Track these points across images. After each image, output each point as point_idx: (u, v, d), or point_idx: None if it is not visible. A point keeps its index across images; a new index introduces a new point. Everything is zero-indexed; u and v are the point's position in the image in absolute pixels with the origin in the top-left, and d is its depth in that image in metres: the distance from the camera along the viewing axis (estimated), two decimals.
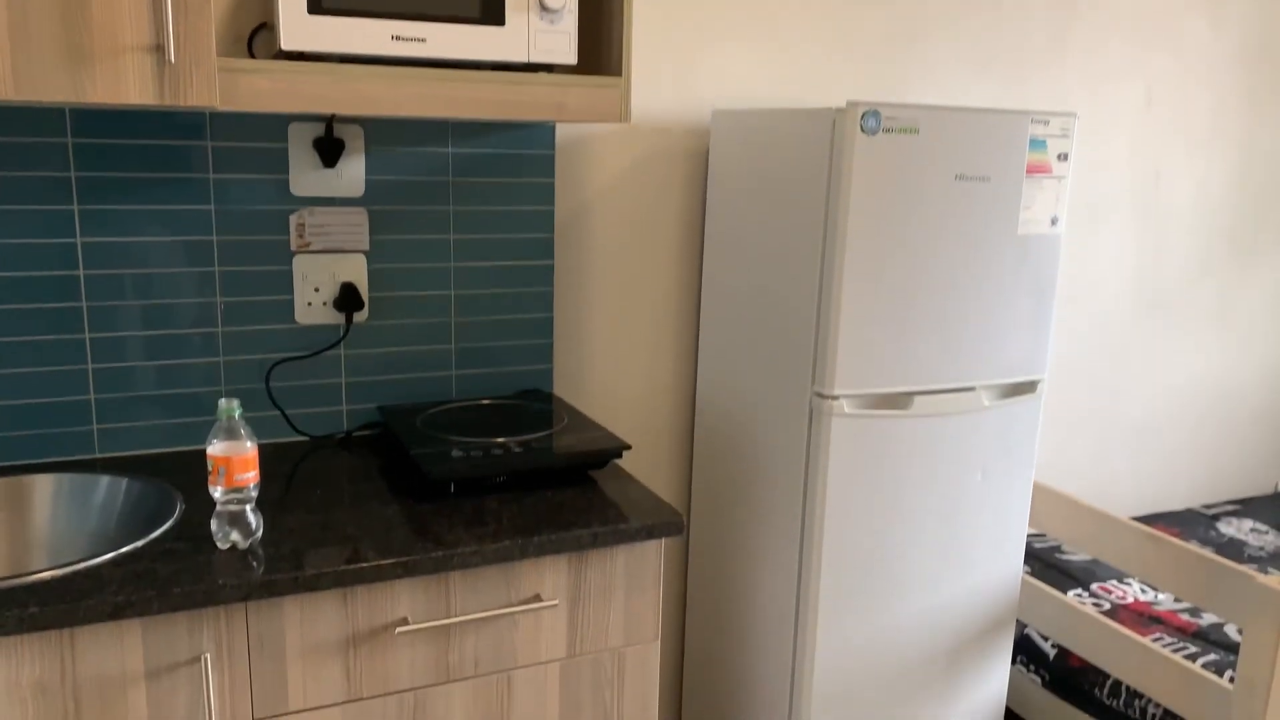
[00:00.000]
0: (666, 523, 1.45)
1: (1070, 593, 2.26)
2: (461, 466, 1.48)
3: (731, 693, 1.99)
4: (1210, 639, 2.07)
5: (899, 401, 1.70)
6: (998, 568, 1.88)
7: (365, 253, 1.76)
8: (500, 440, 1.58)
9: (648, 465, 2.13)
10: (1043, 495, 2.19)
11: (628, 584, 1.47)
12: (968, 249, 1.69)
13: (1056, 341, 2.60)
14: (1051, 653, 2.18)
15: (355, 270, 1.76)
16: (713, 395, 2.01)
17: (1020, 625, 2.26)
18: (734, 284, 1.91)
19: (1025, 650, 2.24)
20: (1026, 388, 1.82)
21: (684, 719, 2.22)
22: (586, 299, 2.01)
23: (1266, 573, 2.39)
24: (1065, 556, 2.44)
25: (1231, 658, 1.99)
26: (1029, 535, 2.58)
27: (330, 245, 1.74)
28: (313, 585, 1.24)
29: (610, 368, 2.06)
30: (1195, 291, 2.78)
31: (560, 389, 2.02)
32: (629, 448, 1.59)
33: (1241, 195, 2.77)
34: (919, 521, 1.76)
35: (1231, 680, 1.81)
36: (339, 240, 1.74)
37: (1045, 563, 2.41)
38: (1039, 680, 2.20)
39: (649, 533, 1.44)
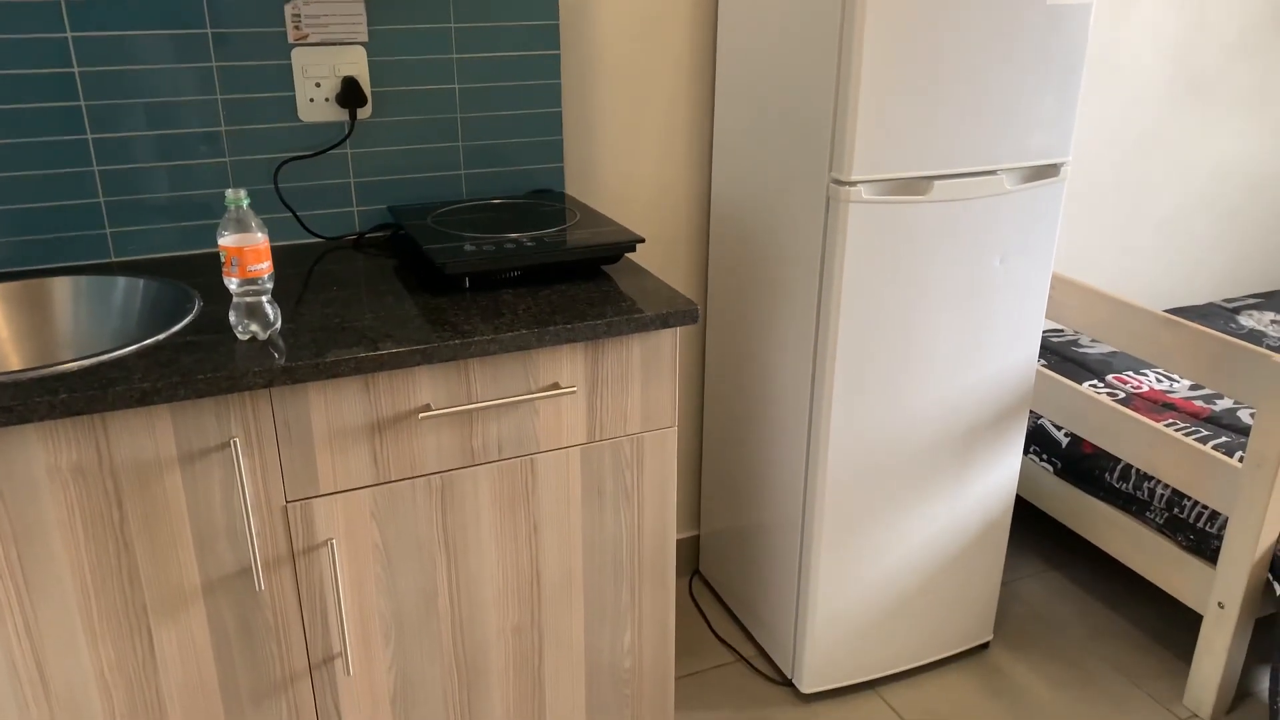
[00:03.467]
0: (681, 312, 1.45)
1: (1086, 384, 2.28)
2: (475, 259, 1.47)
3: (748, 476, 2.06)
4: (1223, 423, 2.09)
5: (918, 186, 1.66)
6: (1014, 356, 1.88)
7: (365, 44, 1.69)
8: (513, 235, 1.57)
9: (664, 259, 2.12)
10: (1060, 284, 2.17)
11: (644, 372, 1.48)
12: (993, 20, 1.60)
13: (1085, 126, 2.52)
14: (1064, 441, 2.22)
15: (356, 63, 1.70)
16: (728, 186, 1.97)
17: (1034, 416, 2.29)
18: (749, 71, 1.83)
19: (1038, 440, 2.28)
20: (1049, 171, 1.77)
21: (703, 500, 2.30)
22: (596, 93, 1.95)
23: None
24: (1082, 350, 2.45)
25: (1242, 440, 2.02)
26: (1047, 330, 2.58)
27: (328, 37, 1.67)
28: (333, 372, 1.25)
29: (623, 164, 2.02)
30: (1235, 71, 2.65)
31: (572, 188, 1.99)
32: (642, 240, 1.57)
33: None
34: (935, 309, 1.76)
35: (1241, 460, 1.84)
36: (337, 31, 1.67)
37: (1062, 356, 2.42)
38: (1050, 469, 2.25)
39: (663, 321, 1.44)
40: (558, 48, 1.83)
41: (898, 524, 1.90)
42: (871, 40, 1.53)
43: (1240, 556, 1.84)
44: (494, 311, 1.42)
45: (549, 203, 1.79)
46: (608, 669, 1.64)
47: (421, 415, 1.33)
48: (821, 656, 1.95)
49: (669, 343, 1.49)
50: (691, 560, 2.38)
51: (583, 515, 1.52)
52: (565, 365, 1.42)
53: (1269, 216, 2.90)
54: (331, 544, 1.35)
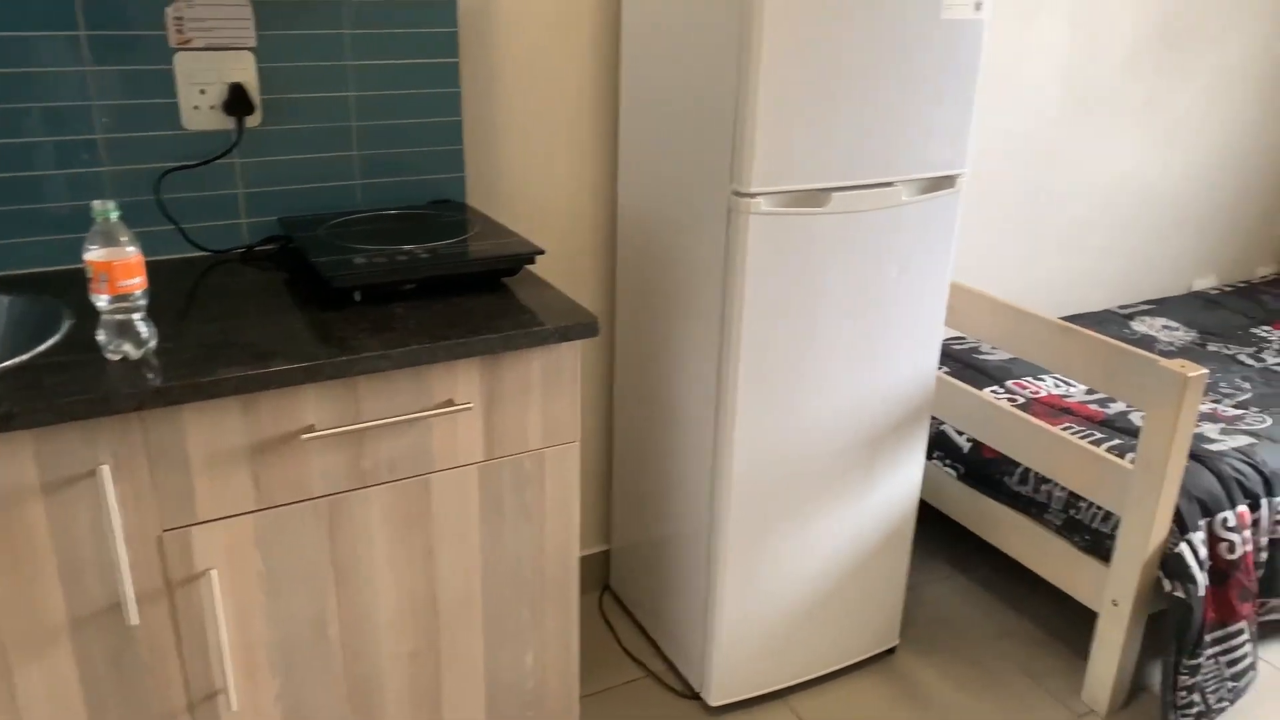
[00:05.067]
0: (580, 324, 1.43)
1: (986, 390, 2.32)
2: (365, 272, 1.43)
3: (656, 488, 2.04)
4: (1116, 426, 2.15)
5: (817, 198, 1.67)
6: (914, 364, 1.91)
7: (253, 50, 1.63)
8: (407, 248, 1.52)
9: (570, 271, 2.10)
10: (960, 293, 2.21)
11: (544, 387, 1.46)
12: (889, 35, 1.62)
13: (985, 141, 2.57)
14: (966, 446, 2.26)
15: (243, 69, 1.63)
16: (633, 198, 1.96)
17: (937, 422, 2.32)
18: (652, 83, 1.82)
19: (941, 445, 2.32)
20: (946, 183, 1.80)
21: (613, 514, 2.28)
22: (499, 102, 1.92)
23: None
24: (983, 357, 2.50)
25: (1133, 442, 2.08)
26: (949, 338, 2.63)
27: (214, 41, 1.61)
28: (210, 392, 1.20)
29: (528, 174, 1.99)
30: (1125, 89, 2.74)
31: (475, 198, 1.95)
32: (542, 252, 1.54)
33: None
34: (836, 318, 1.77)
35: (1132, 461, 1.89)
36: (223, 36, 1.61)
37: (964, 363, 2.46)
38: (954, 473, 2.28)
39: (563, 335, 1.42)
40: (456, 55, 1.79)
41: (804, 532, 1.91)
42: (770, 54, 1.53)
43: (1132, 555, 1.89)
44: (385, 326, 1.37)
45: (448, 213, 1.75)
46: (510, 690, 1.60)
47: (305, 436, 1.28)
48: (729, 668, 1.94)
49: (569, 356, 1.46)
50: (601, 575, 2.35)
51: (481, 535, 1.49)
52: (461, 381, 1.39)
53: (1159, 227, 3.01)
54: (211, 574, 1.29)
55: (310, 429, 1.30)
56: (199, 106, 1.62)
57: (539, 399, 1.46)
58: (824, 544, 1.94)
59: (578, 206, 2.06)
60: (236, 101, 1.63)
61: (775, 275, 1.68)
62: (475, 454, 1.43)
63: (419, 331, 1.35)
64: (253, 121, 1.66)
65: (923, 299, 1.86)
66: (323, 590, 1.39)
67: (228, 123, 1.65)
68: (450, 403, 1.39)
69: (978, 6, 1.69)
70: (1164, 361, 1.79)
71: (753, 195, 1.61)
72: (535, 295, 1.52)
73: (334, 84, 1.71)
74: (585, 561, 2.32)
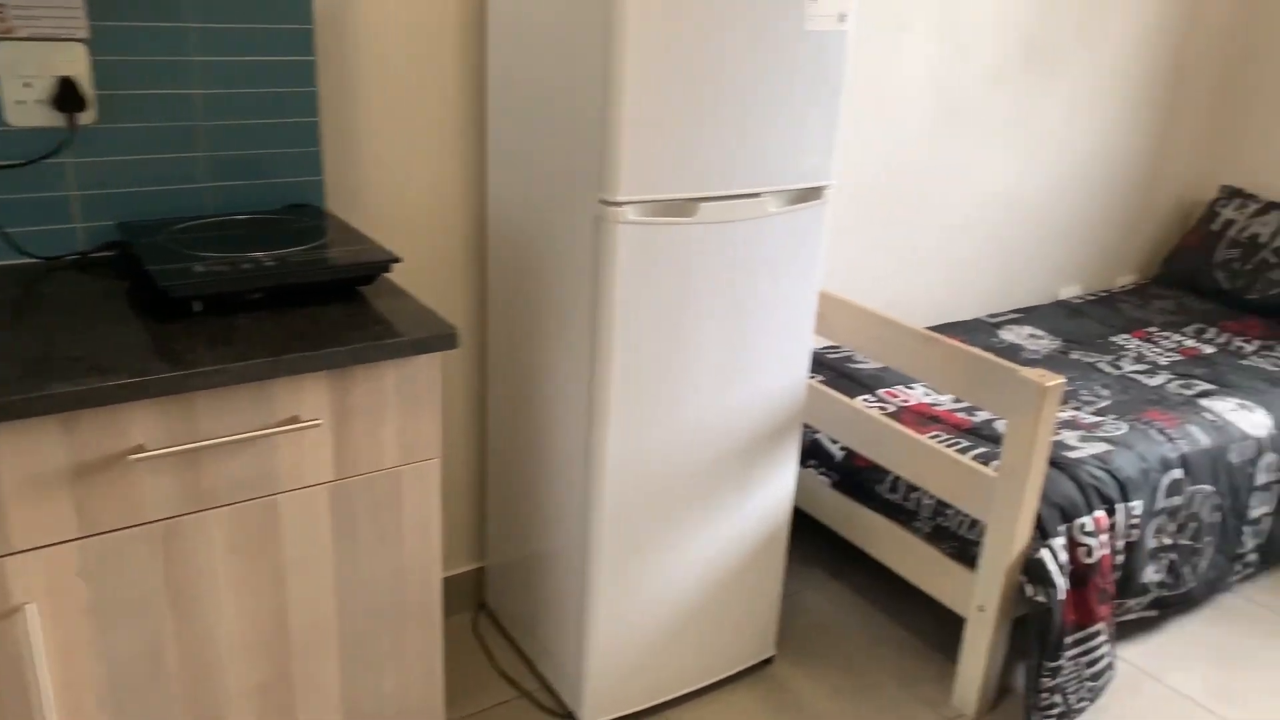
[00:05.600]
0: (438, 336, 1.37)
1: (859, 398, 2.35)
2: (206, 281, 1.34)
3: (530, 503, 1.99)
4: (982, 434, 2.20)
5: (685, 208, 1.65)
6: (785, 374, 1.91)
7: (85, 41, 1.52)
8: (253, 254, 1.44)
9: (438, 281, 2.03)
10: (830, 303, 2.22)
11: (400, 402, 1.39)
12: (753, 45, 1.61)
13: (860, 153, 2.61)
14: (839, 454, 2.28)
15: (74, 62, 1.52)
16: (504, 204, 1.91)
17: (812, 430, 2.34)
18: (520, 86, 1.78)
19: (816, 454, 2.33)
20: (813, 194, 1.80)
21: (488, 530, 2.22)
22: (360, 103, 1.84)
23: None
24: (856, 365, 2.53)
25: (999, 449, 2.12)
26: (824, 347, 2.65)
27: (39, 31, 1.49)
28: (23, 412, 1.10)
29: (392, 179, 1.92)
30: (992, 104, 2.83)
31: (335, 204, 1.87)
32: (398, 260, 1.48)
33: (1040, 1, 2.79)
34: (707, 328, 1.75)
35: (996, 469, 1.93)
36: (49, 25, 1.50)
37: (838, 372, 2.49)
38: (828, 481, 2.30)
39: (419, 347, 1.36)
40: (313, 54, 1.71)
41: (679, 544, 1.89)
42: (634, 62, 1.51)
43: (996, 561, 1.92)
44: (226, 338, 1.29)
45: (302, 219, 1.66)
46: None
47: (134, 457, 1.19)
48: (603, 685, 1.90)
49: (427, 369, 1.40)
50: (476, 594, 2.29)
51: (335, 558, 1.41)
52: (308, 396, 1.31)
53: (1026, 239, 3.11)
54: (28, 609, 1.18)
55: (139, 449, 1.20)
56: (24, 101, 1.50)
57: (395, 415, 1.39)
58: (699, 555, 1.92)
59: (445, 213, 1.99)
60: (66, 97, 1.52)
61: (645, 285, 1.65)
62: (325, 473, 1.36)
63: (262, 344, 1.28)
64: (86, 119, 1.55)
65: (793, 309, 1.87)
66: (159, 622, 1.29)
67: (57, 119, 1.53)
68: (296, 420, 1.31)
69: (841, 19, 1.70)
70: (1023, 371, 1.83)
71: (620, 204, 1.58)
72: (393, 305, 1.46)
73: (178, 81, 1.61)
74: (459, 580, 2.25)
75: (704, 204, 1.66)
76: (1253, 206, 3.26)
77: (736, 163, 1.68)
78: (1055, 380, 1.80)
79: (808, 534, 2.66)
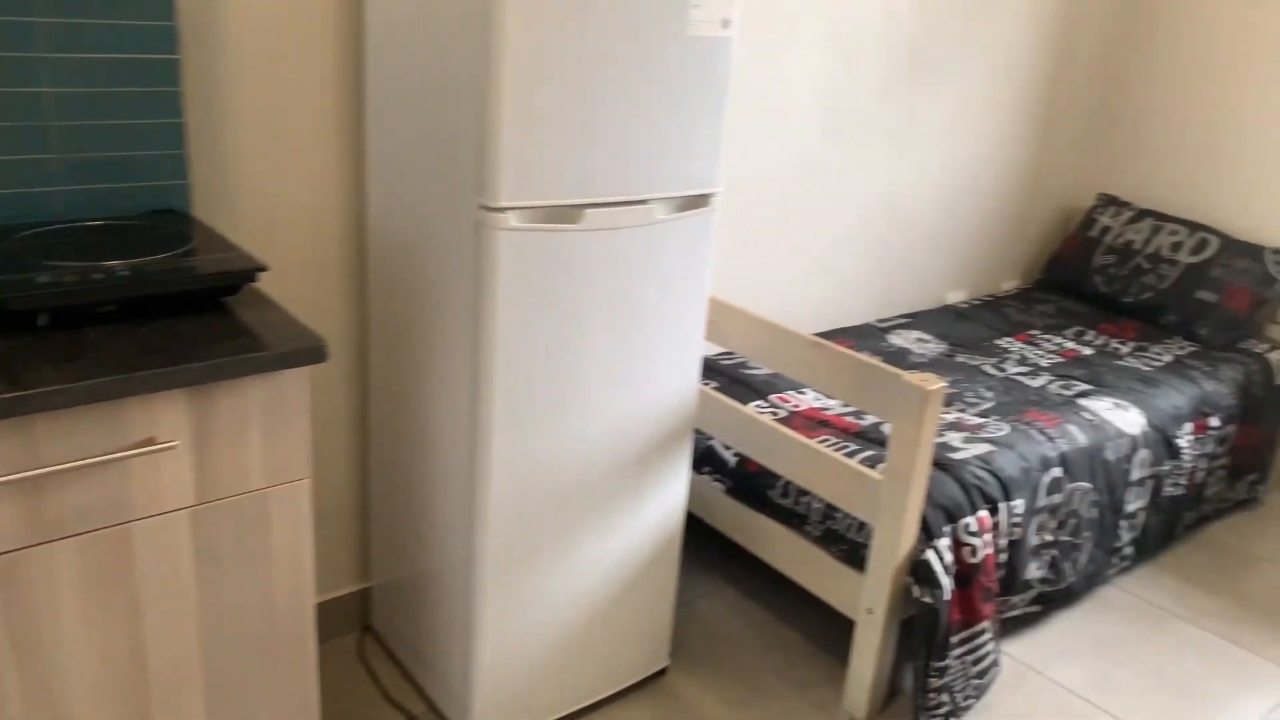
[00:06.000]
0: (306, 349, 1.31)
1: (751, 404, 2.35)
2: (51, 292, 1.25)
3: (415, 520, 1.93)
4: (870, 437, 2.23)
5: (570, 215, 1.62)
6: (675, 381, 1.89)
7: None
8: (107, 263, 1.35)
9: (315, 290, 1.95)
10: (721, 309, 2.22)
11: (266, 419, 1.32)
12: (635, 49, 1.59)
13: (752, 160, 2.62)
14: (733, 461, 2.27)
15: None
16: (383, 210, 1.84)
17: (706, 437, 2.33)
18: (398, 87, 1.72)
19: (710, 460, 2.33)
20: (700, 201, 1.79)
21: (372, 549, 2.15)
22: (230, 105, 1.76)
23: None
24: (749, 371, 2.54)
25: (885, 452, 2.15)
26: (717, 354, 2.65)
27: None
28: None
29: (265, 184, 1.83)
30: (880, 112, 2.87)
31: (202, 209, 1.78)
32: (264, 269, 1.41)
33: (924, 15, 2.85)
34: (594, 337, 1.72)
35: (882, 472, 1.95)
36: None
37: (731, 378, 2.49)
38: (722, 487, 2.30)
39: (285, 361, 1.29)
40: (176, 52, 1.62)
41: (569, 556, 1.85)
42: (513, 63, 1.47)
43: (884, 563, 1.94)
44: (73, 355, 1.20)
45: (165, 225, 1.57)
46: None
47: None
48: (492, 705, 1.85)
49: (295, 385, 1.34)
50: (361, 615, 2.21)
51: (197, 588, 1.33)
52: (163, 417, 1.23)
53: (914, 245, 3.17)
54: None
55: None
56: None
57: (259, 434, 1.32)
58: (591, 567, 1.89)
59: (322, 219, 1.92)
60: None
61: (529, 294, 1.61)
62: (184, 498, 1.28)
63: (113, 361, 1.19)
64: None
65: (683, 316, 1.85)
66: None
67: None
68: (151, 441, 1.23)
69: (725, 24, 1.69)
70: (907, 376, 1.85)
71: (501, 210, 1.54)
72: (259, 317, 1.39)
73: (26, 78, 1.50)
74: (342, 601, 2.17)
75: (589, 210, 1.63)
76: (1127, 214, 3.40)
77: (622, 169, 1.65)
78: (937, 384, 1.83)
79: (703, 540, 2.66)
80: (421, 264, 1.74)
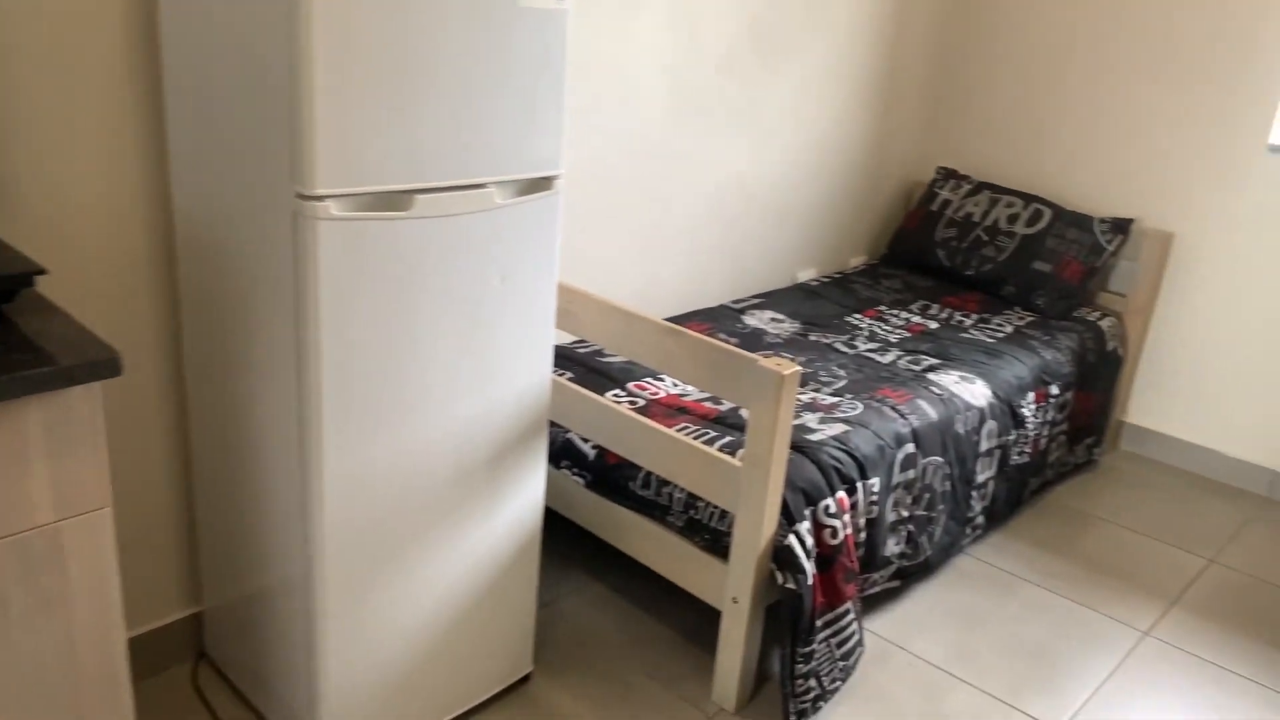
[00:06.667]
0: (95, 362, 1.15)
1: (609, 393, 2.28)
2: None
3: (247, 539, 1.77)
4: (728, 423, 2.19)
5: (399, 201, 1.50)
6: (526, 374, 1.80)
7: None
8: None
9: (118, 293, 1.76)
10: (572, 296, 2.14)
11: (52, 444, 1.16)
12: (466, 21, 1.48)
13: (600, 140, 2.53)
14: (591, 453, 2.20)
15: None
16: (192, 205, 1.67)
17: (563, 430, 2.25)
18: (199, 64, 1.55)
19: (568, 454, 2.24)
20: (543, 184, 1.70)
21: (203, 572, 1.97)
22: (10, 91, 1.55)
23: (778, 356, 2.59)
24: (606, 359, 2.46)
25: (744, 437, 2.12)
26: (571, 342, 2.57)
27: None
28: None
29: (51, 177, 1.63)
30: (725, 90, 2.84)
31: None
32: (41, 271, 1.24)
33: None
34: (435, 332, 1.61)
35: (741, 458, 1.91)
36: None
37: (587, 367, 2.41)
38: (582, 481, 2.22)
39: (71, 377, 1.14)
40: None
41: (419, 566, 1.73)
42: (325, 34, 1.33)
43: (747, 551, 1.91)
44: None
45: None
46: None
47: None
48: None
49: (85, 403, 1.18)
50: (195, 642, 2.03)
51: None
52: None
53: (764, 223, 3.17)
54: None
55: None
56: None
57: (45, 461, 1.16)
58: (444, 575, 1.78)
59: (123, 215, 1.73)
60: None
61: (357, 289, 1.49)
62: None
63: None
64: None
65: (530, 306, 1.76)
66: None
67: None
68: None
69: None
70: (762, 361, 1.81)
71: (320, 198, 1.41)
72: (41, 327, 1.22)
73: None
74: (172, 629, 1.98)
75: (421, 196, 1.52)
76: (966, 187, 3.49)
77: (456, 150, 1.54)
78: (792, 369, 1.80)
79: (564, 536, 2.58)
80: (237, 261, 1.58)
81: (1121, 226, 3.21)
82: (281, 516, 1.64)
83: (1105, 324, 3.18)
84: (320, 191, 1.40)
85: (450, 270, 1.60)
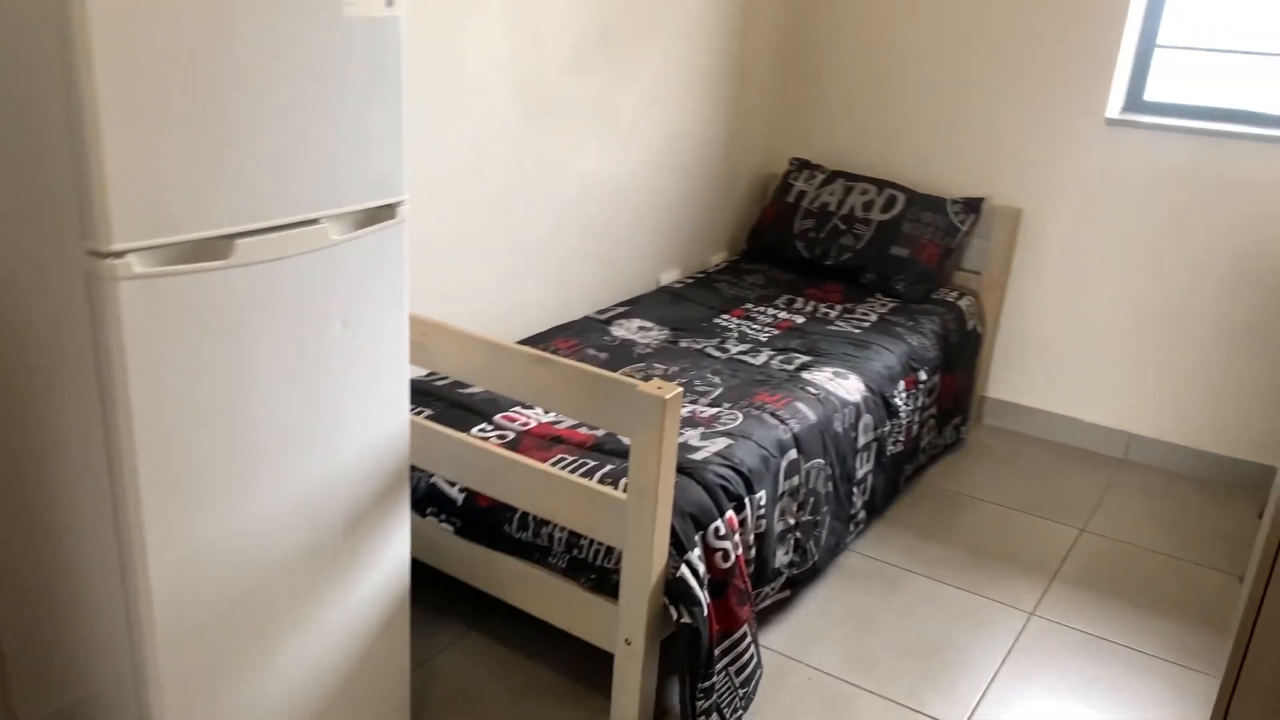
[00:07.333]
0: None
1: (474, 429, 2.11)
2: None
3: (61, 649, 1.53)
4: (607, 449, 2.06)
5: (216, 249, 1.30)
6: (380, 422, 1.62)
7: None
8: None
9: None
10: (426, 329, 1.96)
11: None
12: (280, 37, 1.29)
13: (442, 155, 2.35)
14: (459, 498, 2.03)
15: None
16: None
17: (426, 474, 2.07)
18: None
19: (434, 500, 2.07)
20: (385, 213, 1.52)
21: (12, 695, 1.70)
22: None
23: (652, 369, 2.48)
24: (468, 391, 2.29)
25: (625, 464, 1.99)
26: (428, 375, 2.38)
27: None
28: None
29: None
30: (575, 90, 2.69)
31: None
32: None
33: None
34: (270, 391, 1.41)
35: (625, 490, 1.79)
36: None
37: (449, 401, 2.23)
38: (451, 528, 2.05)
39: None
40: None
41: (271, 650, 1.54)
42: (109, 60, 1.12)
43: (637, 589, 1.79)
44: None
45: None
46: None
47: None
48: None
49: None
50: None
51: None
52: None
53: (621, 227, 3.05)
54: None
55: None
56: None
57: None
58: (301, 659, 1.59)
59: None
60: None
61: (172, 355, 1.28)
62: None
63: None
64: None
65: (379, 348, 1.58)
66: None
67: None
68: None
69: (389, 3, 1.42)
70: (642, 386, 1.69)
71: (118, 254, 1.19)
72: None
73: None
74: None
75: (243, 240, 1.32)
76: (820, 177, 3.46)
77: (281, 184, 1.35)
78: (674, 391, 1.68)
79: (434, 586, 2.39)
80: (30, 333, 1.34)
81: (973, 206, 3.24)
82: (102, 618, 1.42)
83: (964, 303, 3.22)
84: (117, 246, 1.18)
85: (284, 320, 1.40)
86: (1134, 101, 3.14)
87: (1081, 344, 3.27)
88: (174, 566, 1.36)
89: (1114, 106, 3.08)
